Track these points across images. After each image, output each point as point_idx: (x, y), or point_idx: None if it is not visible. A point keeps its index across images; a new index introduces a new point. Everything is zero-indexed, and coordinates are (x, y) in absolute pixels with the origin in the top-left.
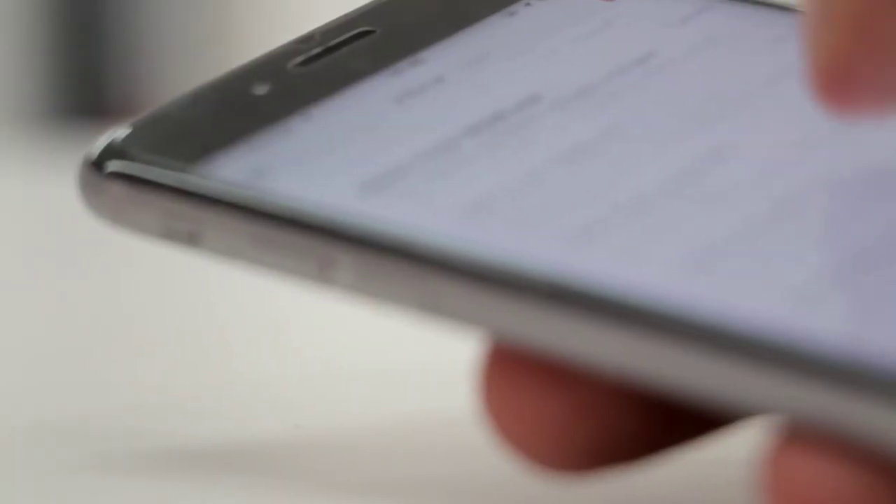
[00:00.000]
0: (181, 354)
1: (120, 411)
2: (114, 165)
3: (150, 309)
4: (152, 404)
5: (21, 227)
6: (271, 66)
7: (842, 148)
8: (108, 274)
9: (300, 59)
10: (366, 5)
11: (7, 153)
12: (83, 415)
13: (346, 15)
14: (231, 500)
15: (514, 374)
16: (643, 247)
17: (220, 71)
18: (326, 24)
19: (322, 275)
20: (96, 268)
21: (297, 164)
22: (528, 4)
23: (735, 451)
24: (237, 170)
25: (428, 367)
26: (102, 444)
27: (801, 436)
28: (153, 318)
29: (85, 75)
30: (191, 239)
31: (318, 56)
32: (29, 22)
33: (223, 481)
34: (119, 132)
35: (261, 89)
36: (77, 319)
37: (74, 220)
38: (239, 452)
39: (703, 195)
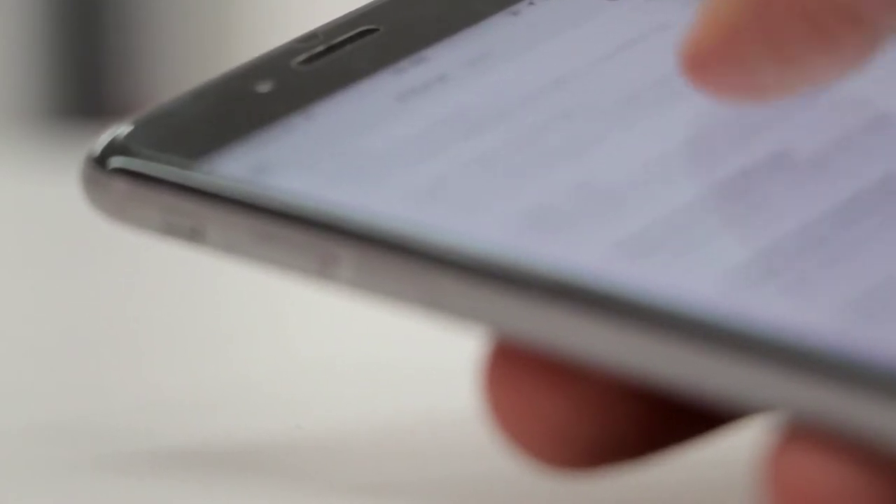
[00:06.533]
0: (182, 354)
1: (120, 411)
2: (117, 162)
3: (150, 308)
4: (152, 404)
5: (20, 227)
6: (274, 64)
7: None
8: (108, 274)
9: (303, 57)
10: (369, 4)
11: (7, 153)
12: (83, 415)
13: (349, 13)
14: (231, 500)
15: (517, 371)
16: (645, 243)
17: (221, 71)
18: (330, 23)
19: (324, 271)
20: (96, 268)
21: (299, 160)
22: (531, 3)
23: (735, 451)
24: (239, 166)
25: (430, 365)
26: (102, 444)
27: (801, 434)
28: (153, 318)
29: (85, 75)
30: (193, 235)
31: (322, 54)
32: (29, 22)
33: (223, 481)
34: (122, 129)
35: (264, 87)
36: (76, 319)
37: (74, 219)
38: (240, 452)
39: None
